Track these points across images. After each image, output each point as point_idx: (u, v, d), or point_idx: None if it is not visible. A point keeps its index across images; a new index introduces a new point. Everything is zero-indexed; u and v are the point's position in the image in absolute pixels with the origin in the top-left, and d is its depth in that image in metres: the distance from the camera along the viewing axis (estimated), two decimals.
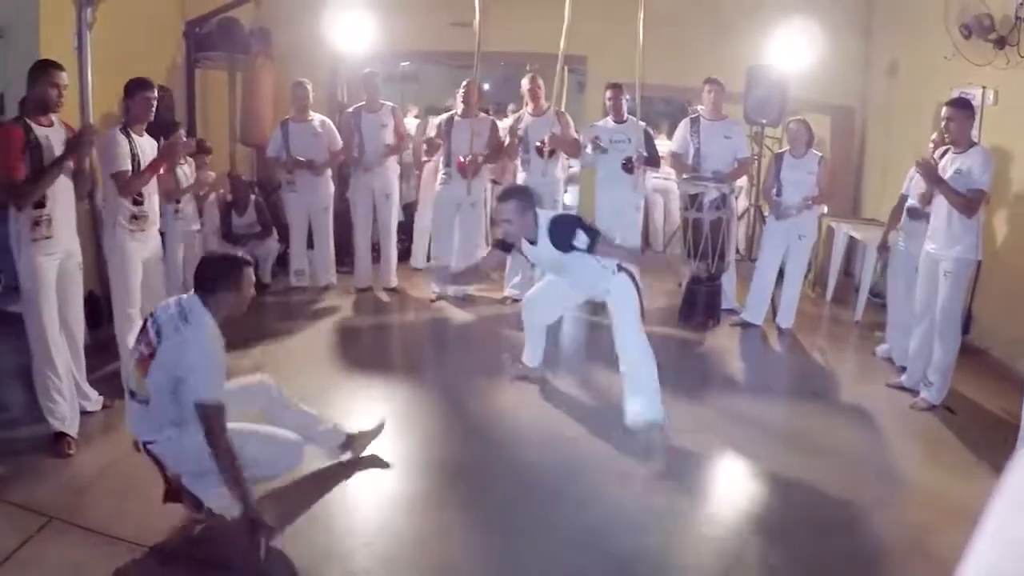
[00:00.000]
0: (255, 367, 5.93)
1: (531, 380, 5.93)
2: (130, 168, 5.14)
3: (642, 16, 7.45)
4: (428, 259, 8.92)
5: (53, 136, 4.54)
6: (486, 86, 8.05)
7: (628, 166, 7.68)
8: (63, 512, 3.82)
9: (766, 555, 3.88)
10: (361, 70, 8.38)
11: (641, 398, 5.13)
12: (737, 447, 5.06)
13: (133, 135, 5.21)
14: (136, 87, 5.21)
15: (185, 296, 3.80)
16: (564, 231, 5.11)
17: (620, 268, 5.30)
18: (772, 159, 7.72)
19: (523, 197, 5.33)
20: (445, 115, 8.12)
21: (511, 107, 9.62)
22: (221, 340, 3.69)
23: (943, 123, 5.58)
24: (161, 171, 5.50)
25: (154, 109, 5.33)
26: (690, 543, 3.98)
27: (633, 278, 5.30)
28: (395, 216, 8.49)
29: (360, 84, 8.23)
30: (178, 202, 6.48)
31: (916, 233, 6.23)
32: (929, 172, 5.54)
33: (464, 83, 8.03)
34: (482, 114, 7.98)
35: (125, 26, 6.98)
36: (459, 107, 8.00)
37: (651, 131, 8.16)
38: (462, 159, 7.73)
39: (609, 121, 7.91)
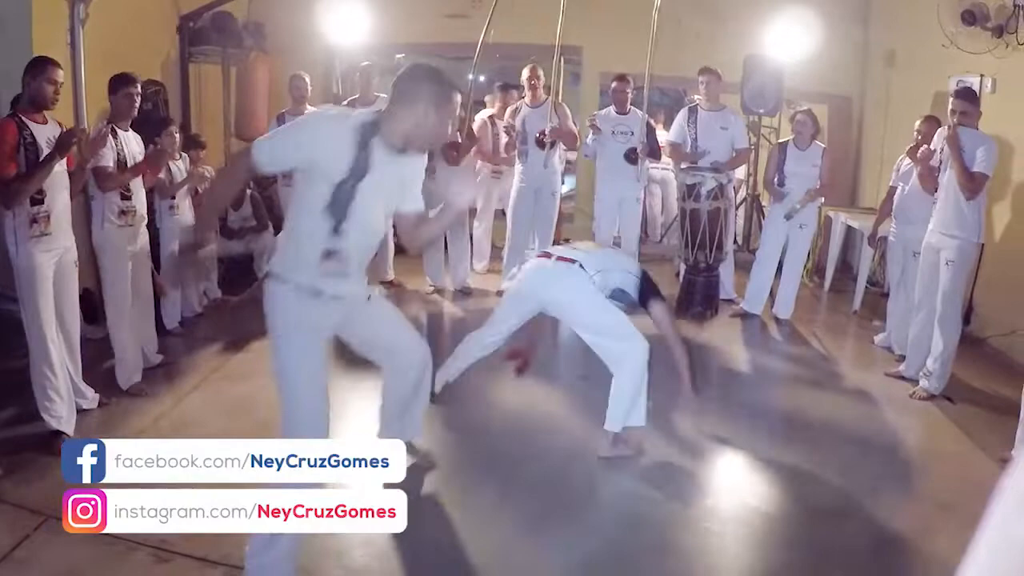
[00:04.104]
0: (251, 362, 5.96)
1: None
2: (112, 164, 5.12)
3: (658, 4, 7.42)
4: None
5: (47, 134, 4.49)
6: (481, 78, 8.00)
7: (632, 157, 7.66)
8: (60, 511, 3.80)
9: (765, 545, 3.88)
10: (355, 63, 8.34)
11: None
12: (736, 437, 5.04)
13: (118, 131, 5.20)
14: (119, 83, 5.19)
15: None
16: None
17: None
18: (774, 149, 7.68)
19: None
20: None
21: (487, 98, 9.55)
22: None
23: (953, 115, 5.54)
24: (145, 174, 5.48)
25: (137, 104, 5.30)
26: (690, 535, 3.96)
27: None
28: None
29: (356, 77, 8.16)
30: (173, 198, 6.43)
31: (908, 221, 6.24)
32: (952, 140, 5.46)
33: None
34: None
35: (118, 21, 6.97)
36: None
37: (652, 122, 8.16)
38: (450, 147, 7.70)
39: (611, 112, 7.90)
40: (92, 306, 5.69)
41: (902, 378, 6.04)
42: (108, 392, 5.19)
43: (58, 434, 4.49)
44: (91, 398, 5.03)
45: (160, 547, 3.54)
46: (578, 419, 5.21)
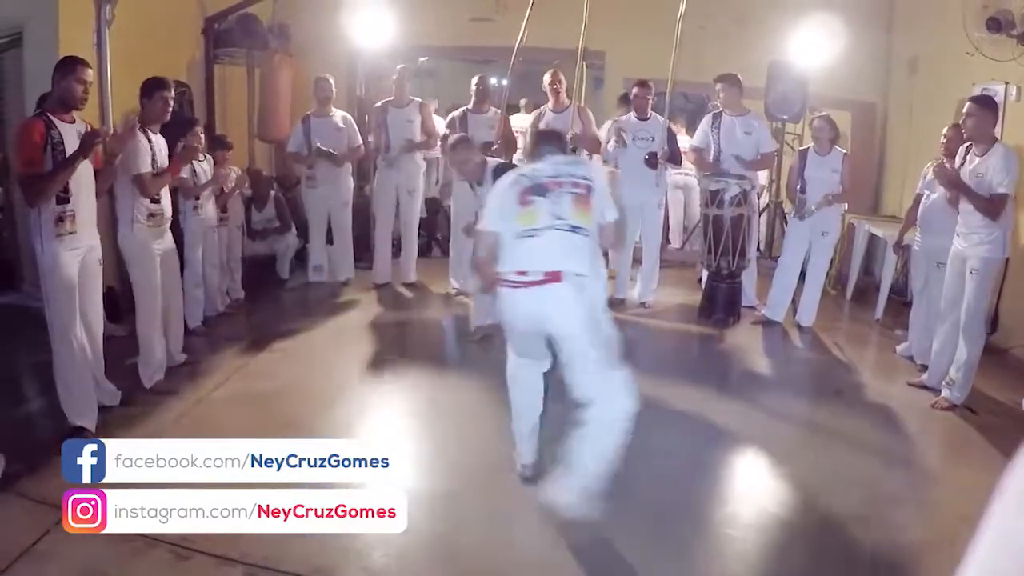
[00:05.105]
0: (273, 362, 6.00)
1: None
2: (150, 170, 5.20)
3: (682, 10, 7.40)
4: None
5: (74, 134, 4.53)
6: (504, 82, 8.03)
7: (652, 161, 7.64)
8: None
9: (784, 552, 3.86)
10: (380, 65, 8.37)
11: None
12: (758, 445, 5.02)
13: (150, 134, 5.25)
14: (154, 87, 5.23)
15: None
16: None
17: None
18: (796, 156, 7.66)
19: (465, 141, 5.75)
20: (458, 111, 8.10)
21: (523, 101, 9.58)
22: None
23: (962, 119, 5.52)
24: (180, 167, 5.56)
25: (171, 108, 5.34)
26: (709, 540, 3.96)
27: None
28: (417, 212, 8.49)
29: (392, 79, 8.20)
30: (197, 198, 6.46)
31: (932, 231, 6.20)
32: (951, 178, 5.50)
33: (476, 78, 8.02)
34: (493, 109, 7.94)
35: (144, 23, 7.02)
36: (471, 102, 8.00)
37: (673, 127, 8.14)
38: (485, 148, 7.71)
39: (632, 117, 7.88)
40: (115, 304, 5.72)
41: (925, 388, 5.99)
42: (131, 390, 5.23)
43: (80, 431, 4.53)
44: (113, 395, 5.06)
45: (180, 544, 3.57)
46: None
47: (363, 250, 8.70)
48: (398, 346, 6.79)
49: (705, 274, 7.93)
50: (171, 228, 5.66)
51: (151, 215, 5.28)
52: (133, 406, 5.12)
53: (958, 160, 5.69)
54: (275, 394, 5.44)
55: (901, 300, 8.10)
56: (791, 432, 5.29)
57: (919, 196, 6.55)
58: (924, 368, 6.20)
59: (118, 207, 5.25)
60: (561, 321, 3.81)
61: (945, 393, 5.70)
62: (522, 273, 3.85)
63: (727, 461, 4.87)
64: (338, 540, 3.62)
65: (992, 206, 5.34)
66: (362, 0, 8.23)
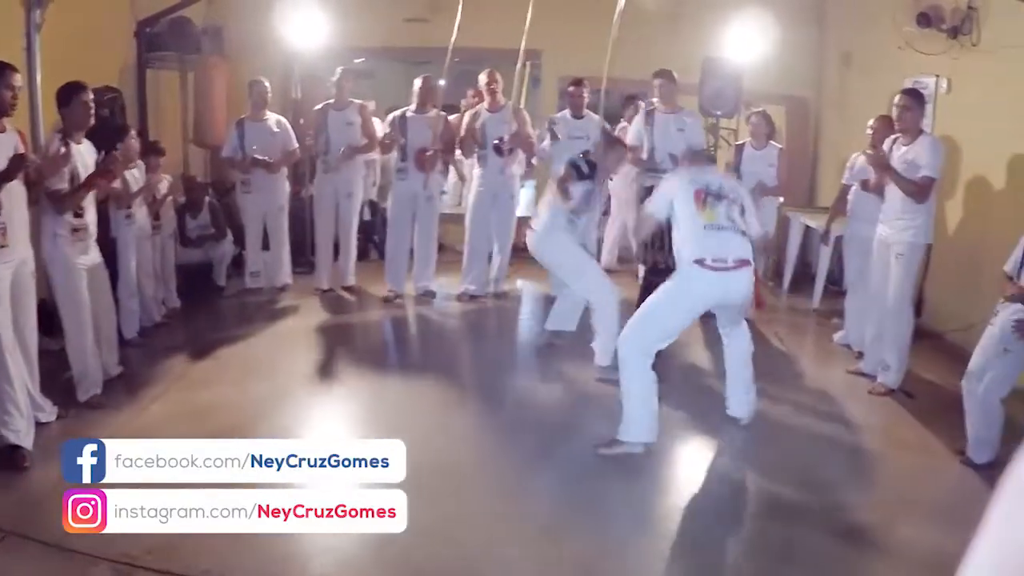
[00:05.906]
0: (212, 370, 5.93)
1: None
2: (67, 184, 4.98)
3: (619, 10, 7.44)
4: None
5: (5, 143, 4.42)
6: (441, 82, 7.99)
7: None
8: (19, 526, 3.75)
9: (728, 543, 3.91)
10: (315, 67, 8.30)
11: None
12: (698, 436, 5.08)
13: (72, 144, 5.03)
14: (71, 91, 5.02)
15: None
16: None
17: None
18: (732, 151, 7.77)
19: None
20: (398, 112, 8.04)
21: (464, 102, 9.58)
22: None
23: (896, 111, 5.63)
24: (101, 184, 5.39)
25: (92, 113, 5.16)
26: (648, 535, 3.99)
27: None
28: (356, 215, 8.44)
29: (332, 81, 8.12)
30: (129, 207, 6.32)
31: (863, 220, 6.32)
32: (879, 162, 5.64)
33: (419, 79, 7.97)
34: (435, 110, 7.90)
35: (75, 27, 6.89)
36: (414, 103, 7.95)
37: (608, 126, 8.17)
38: (422, 153, 7.68)
39: (567, 115, 7.91)
40: (49, 317, 5.61)
41: (863, 374, 6.12)
42: (66, 405, 5.12)
43: (16, 448, 4.42)
44: (49, 411, 4.95)
45: (119, 560, 3.51)
46: (544, 422, 5.22)
47: (301, 255, 8.63)
48: (338, 350, 6.73)
49: (642, 269, 7.96)
50: (103, 238, 5.55)
51: (74, 230, 5.09)
52: (69, 421, 5.01)
53: (886, 149, 5.82)
54: (215, 403, 5.37)
55: (837, 289, 8.21)
56: (730, 423, 5.33)
57: (845, 187, 6.70)
58: (861, 355, 6.32)
59: (42, 219, 5.09)
60: (743, 294, 4.98)
61: (881, 378, 5.82)
62: (720, 260, 4.69)
63: (666, 453, 4.90)
64: (282, 547, 3.60)
65: (920, 189, 5.48)
66: (296, 1, 8.16)
